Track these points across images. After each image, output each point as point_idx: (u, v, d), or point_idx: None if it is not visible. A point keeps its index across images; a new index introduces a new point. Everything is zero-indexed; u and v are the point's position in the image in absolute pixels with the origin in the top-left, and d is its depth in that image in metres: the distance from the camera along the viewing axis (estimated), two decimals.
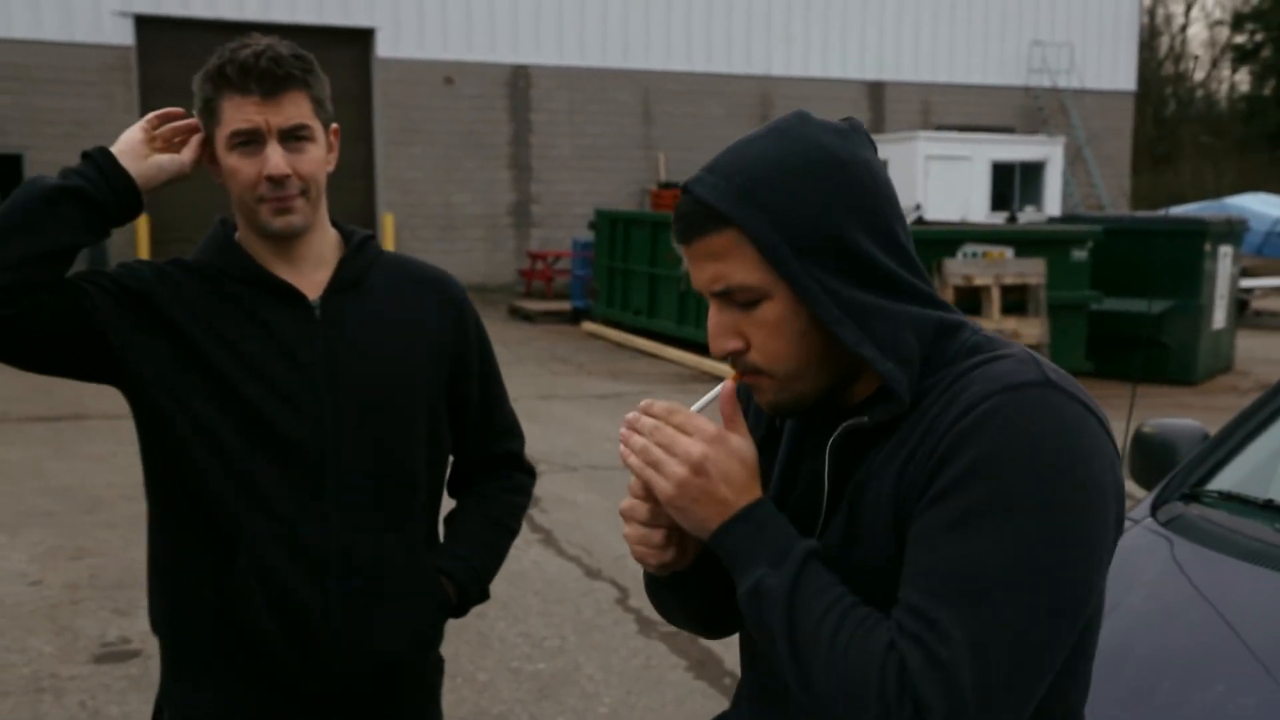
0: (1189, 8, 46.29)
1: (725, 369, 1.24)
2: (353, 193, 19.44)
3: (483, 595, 1.93)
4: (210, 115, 1.71)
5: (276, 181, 1.69)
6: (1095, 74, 25.06)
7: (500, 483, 2.00)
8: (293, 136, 1.69)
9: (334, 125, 1.79)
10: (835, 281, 1.14)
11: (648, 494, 1.22)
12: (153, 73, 19.01)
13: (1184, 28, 45.38)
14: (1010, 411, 1.07)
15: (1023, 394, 1.09)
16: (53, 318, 1.65)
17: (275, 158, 1.68)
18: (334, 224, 1.86)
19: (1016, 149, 20.33)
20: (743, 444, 1.19)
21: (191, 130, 1.75)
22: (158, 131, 1.74)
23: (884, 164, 1.21)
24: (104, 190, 1.65)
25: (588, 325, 15.19)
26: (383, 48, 19.75)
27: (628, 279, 14.17)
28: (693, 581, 1.31)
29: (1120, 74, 25.57)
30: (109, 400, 10.26)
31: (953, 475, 1.08)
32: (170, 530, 1.78)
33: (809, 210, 1.13)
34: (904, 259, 1.18)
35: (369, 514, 1.77)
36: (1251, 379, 11.67)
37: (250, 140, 1.68)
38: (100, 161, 1.67)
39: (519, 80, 20.71)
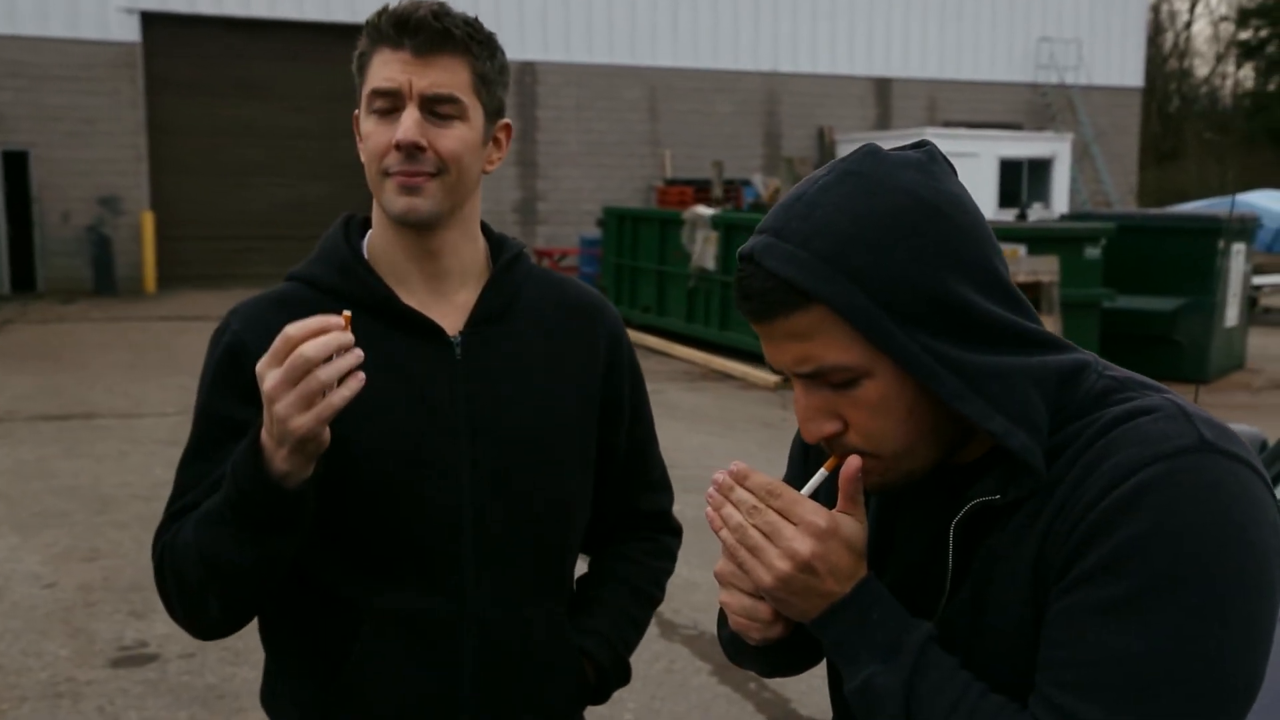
0: (1194, 4, 46.18)
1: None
2: (357, 188, 19.44)
3: (623, 679, 1.65)
4: (360, 73, 1.46)
5: (406, 152, 1.40)
6: (1104, 70, 25.00)
7: (644, 544, 1.72)
8: (438, 107, 1.41)
9: (504, 121, 1.52)
10: (944, 346, 1.00)
11: None
12: (158, 69, 18.98)
13: (1188, 24, 45.33)
14: (1165, 486, 0.95)
15: (1178, 463, 0.95)
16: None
17: (408, 122, 1.39)
18: (484, 231, 1.58)
19: (1024, 146, 20.30)
20: (856, 530, 1.07)
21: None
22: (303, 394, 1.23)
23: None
24: (297, 533, 1.38)
25: None
26: None
27: (636, 276, 14.12)
28: (790, 641, 1.15)
29: (1128, 70, 25.51)
30: (119, 399, 10.09)
31: (1102, 556, 0.95)
32: (282, 604, 1.50)
33: (904, 270, 0.99)
34: (1009, 299, 1.04)
35: (510, 587, 1.50)
36: (1264, 377, 11.62)
37: (389, 105, 1.41)
38: (272, 516, 1.33)
39: (525, 76, 20.64)
